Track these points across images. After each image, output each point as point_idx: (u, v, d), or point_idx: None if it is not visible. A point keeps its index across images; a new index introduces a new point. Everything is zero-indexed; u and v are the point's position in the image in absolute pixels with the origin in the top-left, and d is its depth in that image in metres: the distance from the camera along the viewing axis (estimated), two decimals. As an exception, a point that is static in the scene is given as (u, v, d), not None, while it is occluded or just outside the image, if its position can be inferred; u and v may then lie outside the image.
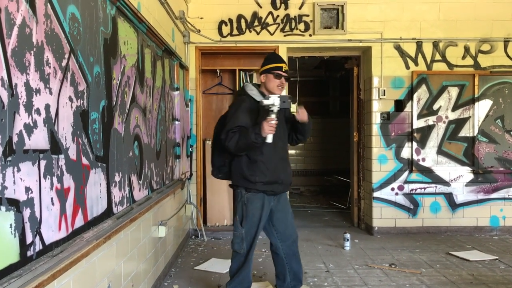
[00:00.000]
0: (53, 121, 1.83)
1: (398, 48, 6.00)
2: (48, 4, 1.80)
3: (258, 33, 5.99)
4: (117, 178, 2.68)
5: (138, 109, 3.20)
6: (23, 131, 1.59)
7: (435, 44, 5.99)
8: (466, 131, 6.01)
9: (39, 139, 1.71)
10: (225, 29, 5.99)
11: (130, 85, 2.99)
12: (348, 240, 5.35)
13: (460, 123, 6.01)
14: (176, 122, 4.75)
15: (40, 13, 1.73)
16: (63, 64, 1.94)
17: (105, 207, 2.46)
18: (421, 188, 6.02)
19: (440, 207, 6.03)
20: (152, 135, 3.61)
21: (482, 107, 5.99)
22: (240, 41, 5.99)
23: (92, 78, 2.27)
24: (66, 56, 1.97)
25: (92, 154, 2.27)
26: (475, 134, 5.99)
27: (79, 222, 2.10)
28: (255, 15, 5.98)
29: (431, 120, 6.01)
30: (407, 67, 6.00)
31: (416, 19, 5.99)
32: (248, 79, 6.19)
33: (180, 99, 5.00)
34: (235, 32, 5.99)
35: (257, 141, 2.99)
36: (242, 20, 5.98)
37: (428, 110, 6.00)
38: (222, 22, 5.98)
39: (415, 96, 5.97)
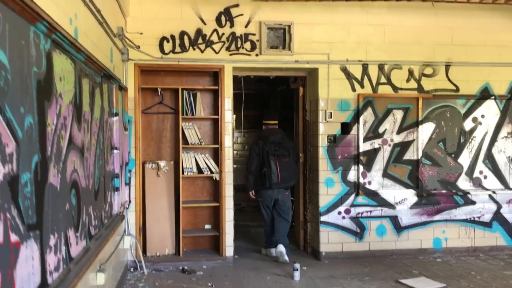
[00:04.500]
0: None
1: (344, 70, 5.91)
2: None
3: (202, 51, 5.68)
4: (52, 242, 2.27)
5: (76, 151, 2.79)
6: None
7: (381, 67, 5.97)
8: (410, 154, 6.04)
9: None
10: (167, 46, 5.61)
11: (67, 126, 2.59)
12: (297, 269, 5.16)
13: (404, 146, 6.03)
14: (115, 151, 4.33)
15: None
16: (-13, 128, 1.54)
17: (38, 283, 2.06)
18: (367, 212, 5.97)
19: (385, 230, 6.01)
20: (90, 175, 3.20)
21: (426, 130, 6.05)
22: (183, 59, 5.64)
23: (23, 133, 1.87)
24: (-9, 115, 1.57)
25: (23, 226, 1.87)
26: (419, 157, 6.03)
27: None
28: (199, 32, 5.66)
29: (376, 143, 5.98)
30: (353, 89, 5.93)
31: (362, 41, 5.94)
32: (192, 99, 5.85)
33: (119, 124, 4.57)
34: (177, 49, 5.63)
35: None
36: (185, 37, 5.64)
37: (373, 133, 5.97)
38: (163, 38, 5.60)
39: (361, 119, 5.91)
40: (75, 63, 2.79)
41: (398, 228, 6.03)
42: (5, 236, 1.69)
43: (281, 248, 5.81)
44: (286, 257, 5.77)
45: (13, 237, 1.77)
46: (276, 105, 10.92)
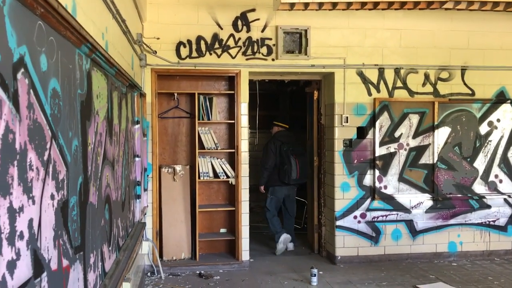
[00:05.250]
0: (36, 237, 1.45)
1: (360, 74, 5.91)
2: (31, 90, 1.41)
3: (219, 56, 5.67)
4: (92, 260, 2.29)
5: (108, 166, 2.80)
6: (6, 274, 1.21)
7: (397, 71, 5.96)
8: (426, 158, 6.04)
9: (22, 272, 1.32)
10: (184, 51, 5.61)
11: (102, 142, 2.59)
12: (315, 275, 5.17)
13: (420, 150, 6.03)
14: (137, 159, 4.34)
15: (23, 107, 1.34)
16: (45, 157, 1.55)
17: (83, 303, 2.08)
18: (383, 216, 5.98)
19: (401, 234, 6.02)
20: (118, 187, 3.21)
21: (441, 134, 6.05)
22: (200, 64, 5.64)
23: (71, 156, 1.88)
24: (48, 145, 1.58)
25: (71, 249, 1.88)
26: (434, 161, 6.03)
27: None
28: (215, 37, 5.65)
29: (392, 147, 5.98)
30: (369, 94, 5.93)
31: (378, 45, 5.93)
32: (208, 103, 5.85)
33: (140, 131, 4.58)
34: (194, 54, 5.63)
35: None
36: (202, 42, 5.63)
37: (389, 137, 5.97)
38: (180, 44, 5.59)
39: (377, 123, 5.91)
40: (107, 78, 2.80)
41: (414, 232, 6.04)
42: (59, 262, 1.70)
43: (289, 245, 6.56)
44: (292, 247, 6.58)
45: (65, 262, 1.78)
46: (285, 105, 10.93)
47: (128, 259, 3.21)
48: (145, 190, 5.20)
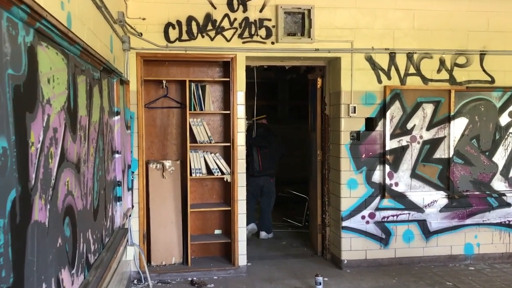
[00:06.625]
0: None
1: (369, 59, 5.33)
2: None
3: (212, 39, 5.08)
4: (39, 296, 1.72)
5: (70, 169, 2.23)
6: None
7: (409, 56, 5.38)
8: (441, 152, 5.49)
9: None
10: (173, 33, 5.01)
11: (58, 140, 2.02)
12: (320, 284, 4.64)
13: (435, 143, 5.48)
14: (116, 156, 3.76)
15: None
16: None
17: None
18: (393, 216, 5.44)
19: (413, 236, 5.48)
20: (88, 193, 2.64)
21: (458, 126, 5.49)
22: (191, 48, 5.04)
23: (-9, 164, 1.31)
24: None
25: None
26: (450, 156, 5.48)
27: None
28: (208, 17, 5.05)
29: (404, 140, 5.42)
30: (379, 81, 5.35)
31: (389, 27, 5.35)
32: (200, 92, 5.26)
33: (121, 123, 4.00)
34: (184, 36, 5.03)
35: None
36: (193, 23, 5.04)
37: (401, 129, 5.41)
38: (169, 25, 5.00)
39: (388, 114, 5.34)
40: (68, 59, 2.21)
41: (427, 233, 5.50)
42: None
43: (263, 235, 6.79)
44: (270, 235, 6.84)
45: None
46: (285, 94, 10.35)
47: (100, 279, 2.65)
48: (130, 189, 4.63)
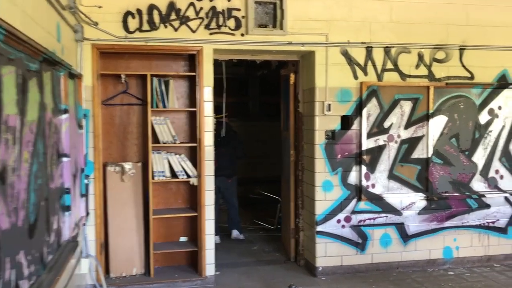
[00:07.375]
0: None
1: (345, 54, 5.00)
2: None
3: (176, 29, 4.65)
4: None
5: (-11, 182, 1.78)
6: None
7: (387, 50, 5.09)
8: (419, 152, 5.22)
9: None
10: (133, 23, 4.57)
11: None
12: (295, 295, 4.29)
13: (413, 142, 5.21)
14: (64, 160, 3.30)
15: None
16: None
17: None
18: (370, 219, 5.14)
19: (391, 240, 5.20)
20: (19, 207, 2.20)
21: (437, 124, 5.23)
22: (153, 39, 4.61)
23: None
24: None
25: None
26: (429, 156, 5.21)
27: None
28: (172, 6, 4.62)
29: (382, 139, 5.13)
30: (356, 77, 5.04)
31: (366, 19, 5.04)
32: (164, 87, 4.83)
33: (71, 122, 3.54)
34: (145, 27, 4.59)
35: None
36: (155, 12, 4.60)
37: (378, 128, 5.11)
38: (128, 13, 4.55)
39: (364, 112, 5.04)
40: (-16, 44, 1.77)
41: (405, 237, 5.23)
42: None
43: (235, 234, 6.64)
44: (241, 237, 6.64)
45: None
46: (255, 91, 9.98)
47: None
48: (83, 195, 4.17)
